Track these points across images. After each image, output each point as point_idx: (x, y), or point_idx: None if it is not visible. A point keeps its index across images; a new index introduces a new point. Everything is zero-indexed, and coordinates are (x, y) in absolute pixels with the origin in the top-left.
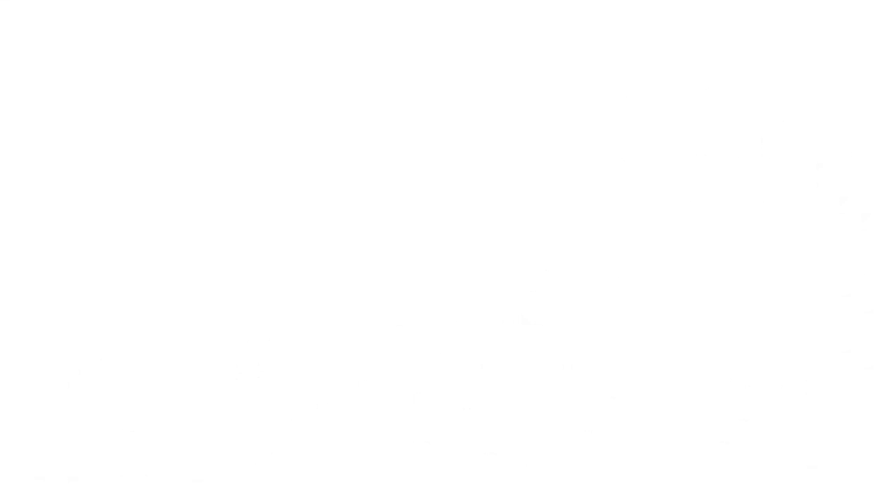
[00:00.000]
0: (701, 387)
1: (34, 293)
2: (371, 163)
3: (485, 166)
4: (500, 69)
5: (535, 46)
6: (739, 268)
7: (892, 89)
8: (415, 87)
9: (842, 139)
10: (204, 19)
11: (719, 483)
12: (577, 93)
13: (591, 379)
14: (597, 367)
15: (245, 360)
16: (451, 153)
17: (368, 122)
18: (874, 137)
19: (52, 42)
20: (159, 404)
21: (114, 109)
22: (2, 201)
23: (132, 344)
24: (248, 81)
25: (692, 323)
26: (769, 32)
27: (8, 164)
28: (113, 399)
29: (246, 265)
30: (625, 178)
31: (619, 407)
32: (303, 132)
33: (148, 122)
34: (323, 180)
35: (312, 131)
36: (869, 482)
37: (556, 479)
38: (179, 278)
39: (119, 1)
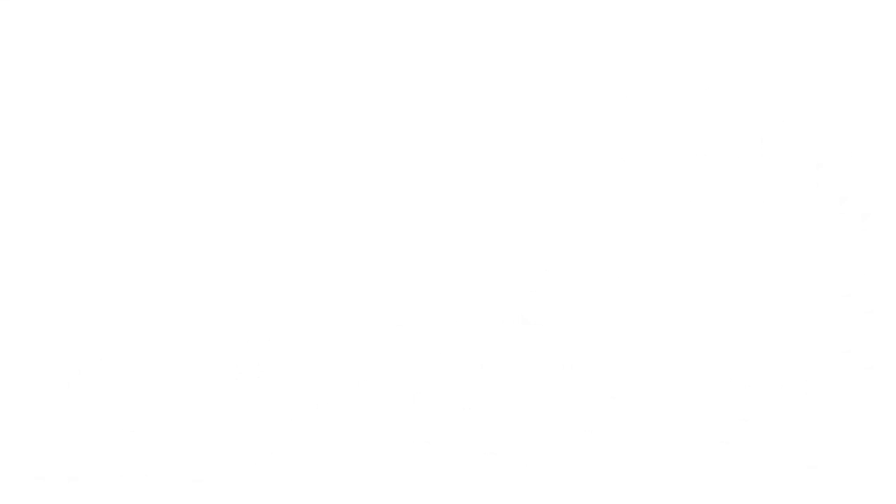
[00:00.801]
0: (701, 387)
1: (34, 293)
2: (371, 163)
3: (485, 166)
4: (500, 69)
5: (535, 46)
6: (739, 268)
7: (892, 89)
8: (415, 87)
9: (842, 139)
10: (204, 19)
11: (719, 483)
12: (577, 93)
13: (590, 379)
14: (597, 367)
15: (245, 360)
16: (451, 153)
17: (368, 122)
18: (874, 137)
19: (53, 42)
20: (159, 404)
21: (114, 109)
22: (2, 201)
23: (132, 344)
24: (248, 81)
25: (692, 323)
26: (769, 32)
27: (8, 164)
28: (113, 399)
29: (246, 265)
30: (625, 178)
31: (619, 407)
32: (303, 132)
33: (148, 122)
34: (323, 180)
35: (312, 131)
36: (869, 482)
37: (556, 480)
38: (179, 278)
39: (119, 1)
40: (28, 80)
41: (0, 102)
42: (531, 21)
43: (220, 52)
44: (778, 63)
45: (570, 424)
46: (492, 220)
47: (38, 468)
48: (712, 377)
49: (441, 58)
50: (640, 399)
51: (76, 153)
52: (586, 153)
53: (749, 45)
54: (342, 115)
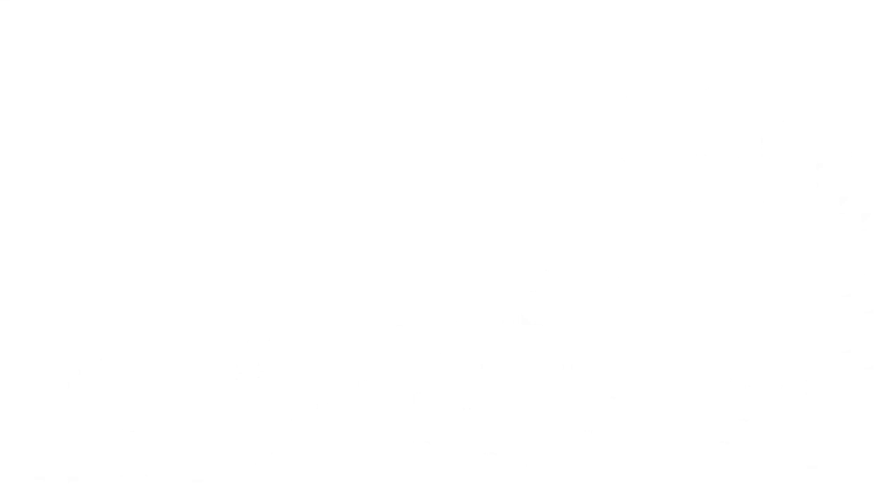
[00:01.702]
0: (701, 387)
1: (34, 293)
2: (371, 163)
3: (485, 166)
4: (500, 69)
5: (535, 46)
6: (739, 268)
7: (892, 89)
8: (415, 87)
9: (842, 139)
10: (204, 19)
11: (719, 483)
12: (577, 93)
13: (590, 379)
14: (597, 367)
15: (245, 360)
16: (451, 153)
17: (368, 122)
18: (874, 137)
19: (53, 42)
20: (159, 404)
21: (114, 109)
22: (2, 201)
23: (132, 344)
24: (248, 81)
25: (692, 323)
26: (769, 32)
27: (8, 164)
28: (113, 399)
29: (246, 265)
30: (625, 178)
31: (619, 407)
32: (303, 132)
33: (148, 122)
34: (323, 180)
35: (312, 131)
36: (869, 482)
37: (556, 479)
38: (179, 278)
39: (119, 1)
40: (28, 80)
41: (0, 102)
42: (531, 21)
43: (221, 52)
44: (778, 63)
45: (570, 424)
46: (492, 220)
47: (38, 468)
48: (712, 377)
49: (441, 58)
50: (640, 399)
51: (76, 153)
52: (586, 153)
53: (749, 45)
54: (342, 115)
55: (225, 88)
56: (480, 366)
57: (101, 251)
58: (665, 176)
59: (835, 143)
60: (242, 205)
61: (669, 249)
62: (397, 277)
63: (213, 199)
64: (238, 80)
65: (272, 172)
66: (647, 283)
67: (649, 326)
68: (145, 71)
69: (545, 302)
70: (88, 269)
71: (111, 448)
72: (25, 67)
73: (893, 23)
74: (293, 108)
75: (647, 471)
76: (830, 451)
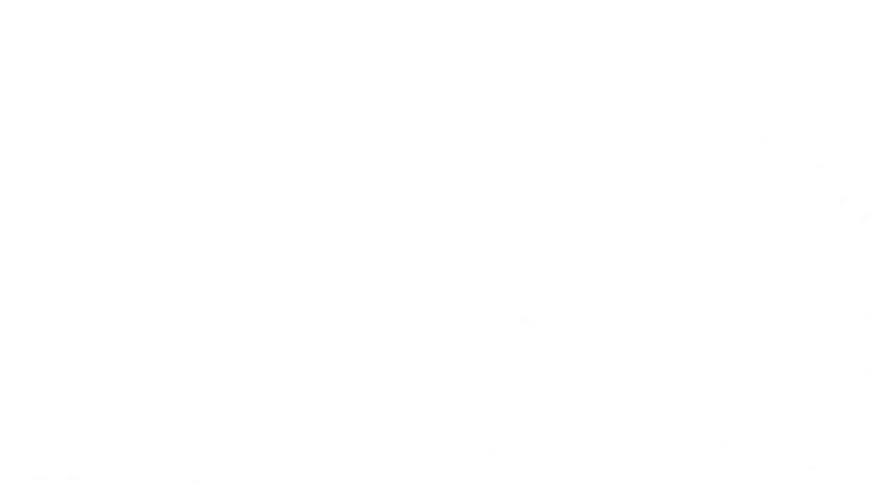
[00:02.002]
0: (701, 387)
1: (34, 293)
2: (371, 163)
3: (485, 166)
4: (500, 69)
5: (535, 46)
6: (739, 268)
7: (892, 89)
8: (415, 87)
9: (842, 139)
10: (204, 19)
11: (719, 483)
12: (577, 93)
13: (590, 379)
14: (597, 367)
15: (245, 360)
16: (451, 153)
17: (368, 122)
18: (874, 137)
19: (53, 42)
20: (159, 404)
21: (114, 109)
22: (2, 201)
23: (132, 344)
24: (248, 81)
25: (692, 323)
26: (769, 32)
27: (8, 164)
28: (113, 399)
29: (246, 265)
30: (625, 178)
31: (619, 407)
32: (303, 132)
33: (148, 122)
34: (323, 180)
35: (312, 131)
36: (869, 482)
37: (556, 479)
38: (179, 278)
39: (119, 1)
40: (28, 80)
41: (0, 102)
42: (531, 21)
43: (221, 52)
44: (778, 63)
45: (570, 424)
46: (492, 220)
47: (38, 468)
48: (712, 377)
49: (441, 58)
50: (640, 399)
51: (76, 153)
52: (586, 153)
53: (749, 45)
54: (342, 115)
55: (225, 88)
56: (480, 366)
57: (102, 251)
58: (665, 176)
59: (835, 143)
60: (242, 205)
61: (669, 249)
62: (397, 277)
63: (214, 199)
64: (238, 80)
65: (272, 172)
66: (647, 283)
67: (649, 326)
68: (145, 71)
69: (545, 302)
70: (88, 268)
71: (111, 448)
72: (25, 67)
73: (893, 23)
74: (293, 108)
75: (647, 471)
76: (830, 451)
